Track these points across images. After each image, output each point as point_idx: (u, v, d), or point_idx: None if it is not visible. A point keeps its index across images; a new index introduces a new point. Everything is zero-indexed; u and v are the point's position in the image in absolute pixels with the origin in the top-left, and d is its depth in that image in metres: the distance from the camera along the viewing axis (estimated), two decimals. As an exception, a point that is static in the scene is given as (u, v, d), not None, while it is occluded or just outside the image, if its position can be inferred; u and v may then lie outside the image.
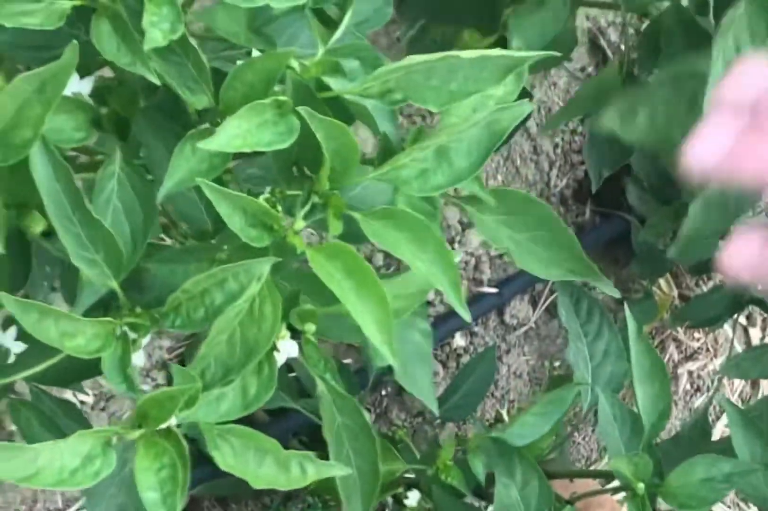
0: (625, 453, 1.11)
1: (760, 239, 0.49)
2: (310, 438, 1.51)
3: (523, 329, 1.67)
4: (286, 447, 0.73)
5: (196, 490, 1.46)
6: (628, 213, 1.64)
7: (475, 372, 1.44)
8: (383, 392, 1.54)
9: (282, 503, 1.52)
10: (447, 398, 1.43)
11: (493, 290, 1.61)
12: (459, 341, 1.60)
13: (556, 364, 1.70)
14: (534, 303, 1.68)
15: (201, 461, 1.40)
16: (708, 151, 0.46)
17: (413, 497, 1.18)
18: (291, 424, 1.48)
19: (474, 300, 1.61)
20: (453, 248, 1.59)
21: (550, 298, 1.69)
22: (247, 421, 0.72)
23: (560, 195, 1.69)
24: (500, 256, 1.63)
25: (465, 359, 1.61)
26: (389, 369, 0.83)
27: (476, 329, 1.62)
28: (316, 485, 1.31)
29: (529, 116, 1.50)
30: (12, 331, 0.83)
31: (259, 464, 0.73)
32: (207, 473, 1.43)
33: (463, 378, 1.44)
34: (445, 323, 1.58)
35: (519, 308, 1.66)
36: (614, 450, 1.12)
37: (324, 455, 0.77)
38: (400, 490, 1.20)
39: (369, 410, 1.54)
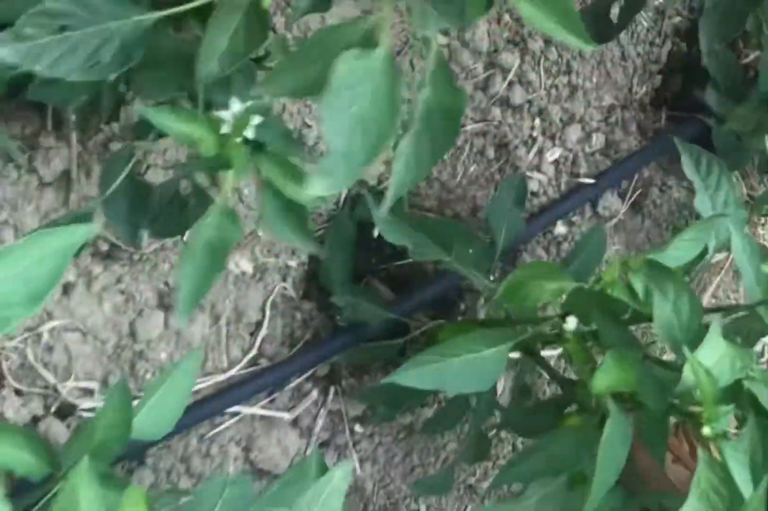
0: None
1: None
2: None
3: (614, 221, 1.82)
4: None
5: (335, 358, 1.58)
6: (705, 116, 1.79)
7: (589, 244, 1.57)
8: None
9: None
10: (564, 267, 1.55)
11: (590, 181, 1.76)
12: (560, 228, 1.75)
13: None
14: (622, 198, 1.84)
15: (340, 331, 1.54)
16: None
17: (572, 322, 1.30)
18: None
19: (571, 192, 1.76)
20: (554, 144, 1.74)
21: (635, 193, 1.84)
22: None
23: (639, 101, 1.84)
24: (593, 153, 1.78)
25: (564, 246, 1.75)
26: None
27: (574, 218, 1.77)
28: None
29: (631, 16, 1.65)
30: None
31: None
32: (345, 344, 1.56)
33: (579, 250, 1.57)
34: (546, 212, 1.73)
35: (610, 201, 1.81)
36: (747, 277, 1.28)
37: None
38: (556, 319, 1.33)
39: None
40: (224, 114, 0.90)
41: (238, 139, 0.89)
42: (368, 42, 0.76)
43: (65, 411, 1.35)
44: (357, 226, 1.57)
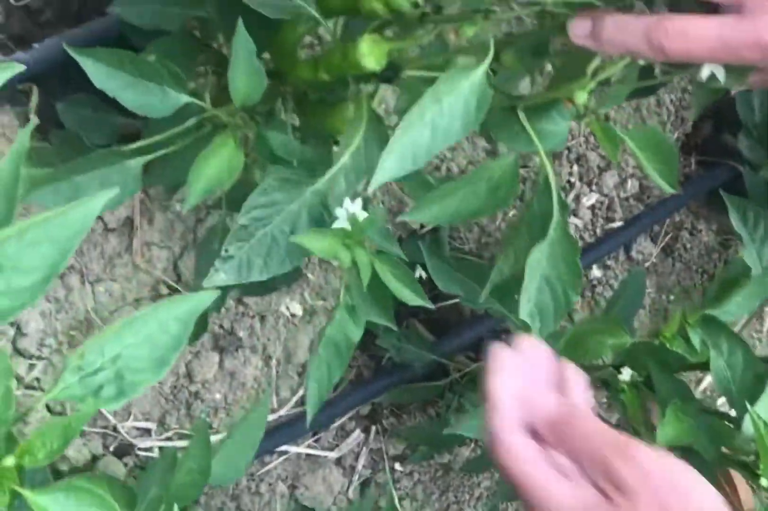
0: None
1: None
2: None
3: (646, 264, 1.86)
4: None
5: (379, 399, 1.62)
6: (735, 161, 1.84)
7: (629, 289, 1.61)
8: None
9: (445, 413, 1.67)
10: (605, 314, 1.59)
11: (620, 224, 1.80)
12: (595, 272, 1.79)
13: (671, 297, 1.89)
14: (654, 241, 1.88)
15: (383, 372, 1.57)
16: None
17: (627, 373, 1.34)
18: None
19: (606, 236, 1.80)
20: (591, 190, 1.78)
21: (667, 237, 1.89)
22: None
23: (671, 147, 1.89)
24: (627, 198, 1.82)
25: (599, 289, 1.79)
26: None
27: (609, 262, 1.81)
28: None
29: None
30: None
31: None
32: (387, 384, 1.59)
33: (616, 297, 1.61)
34: (582, 256, 1.76)
35: (643, 245, 1.85)
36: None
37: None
38: (611, 369, 1.37)
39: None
40: (340, 212, 0.96)
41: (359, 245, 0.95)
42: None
43: (123, 450, 1.38)
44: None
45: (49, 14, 1.34)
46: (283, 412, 1.50)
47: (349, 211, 0.96)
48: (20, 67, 0.75)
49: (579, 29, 0.83)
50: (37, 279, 0.70)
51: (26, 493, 0.70)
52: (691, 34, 0.77)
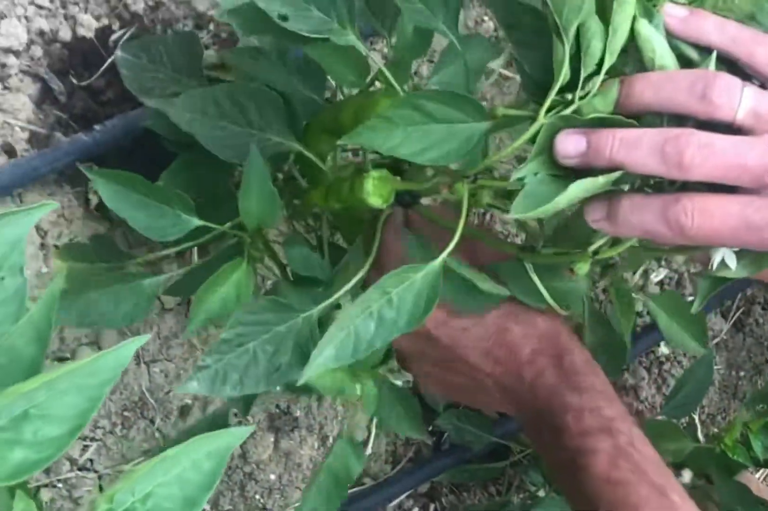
0: None
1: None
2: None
3: (716, 340, 1.82)
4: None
5: (438, 478, 1.60)
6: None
7: (695, 375, 1.58)
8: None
9: (506, 492, 1.65)
10: (672, 397, 1.56)
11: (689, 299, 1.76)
12: (663, 349, 1.76)
13: (741, 373, 1.85)
14: (725, 317, 1.84)
15: (443, 452, 1.55)
16: None
17: (687, 476, 1.32)
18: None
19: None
20: (660, 265, 1.75)
21: (738, 312, 1.85)
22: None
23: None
24: (698, 273, 1.79)
25: (667, 366, 1.76)
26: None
27: (677, 339, 1.77)
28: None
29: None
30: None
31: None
32: (447, 464, 1.57)
33: (685, 380, 1.58)
34: (651, 332, 1.73)
35: (713, 321, 1.81)
36: None
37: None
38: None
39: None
40: None
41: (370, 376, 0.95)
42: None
43: (176, 532, 1.37)
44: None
45: (110, 94, 1.35)
46: (338, 493, 1.49)
47: None
48: (52, 206, 0.74)
49: (595, 213, 0.80)
50: (66, 430, 0.70)
51: None
52: (711, 211, 0.74)
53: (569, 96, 0.80)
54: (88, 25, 1.33)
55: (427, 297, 0.83)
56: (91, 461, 1.31)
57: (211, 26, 1.40)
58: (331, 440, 1.49)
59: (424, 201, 1.04)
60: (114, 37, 1.35)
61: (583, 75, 0.79)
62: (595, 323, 1.01)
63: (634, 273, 1.71)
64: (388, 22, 1.00)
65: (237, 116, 1.01)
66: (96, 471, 1.32)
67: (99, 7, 1.33)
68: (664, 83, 0.76)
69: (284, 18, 0.89)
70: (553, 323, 0.97)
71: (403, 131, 0.82)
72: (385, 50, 1.48)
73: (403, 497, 1.57)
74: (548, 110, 0.81)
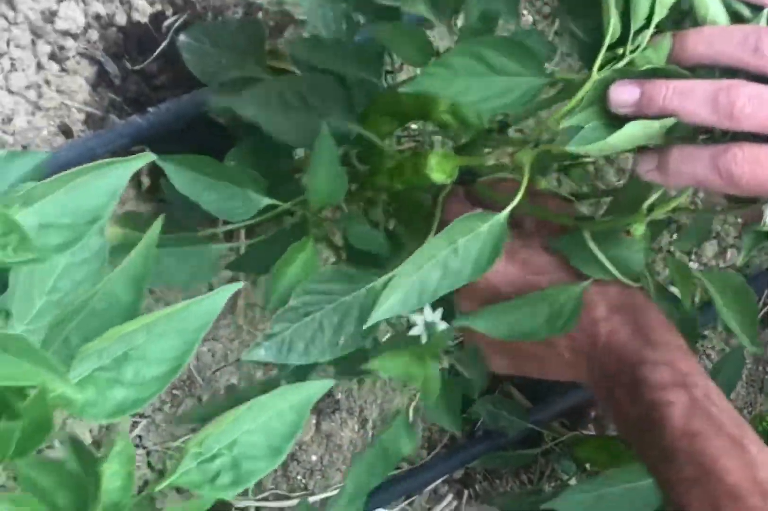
0: None
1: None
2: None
3: (744, 335, 1.85)
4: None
5: (472, 464, 1.62)
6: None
7: (725, 369, 1.60)
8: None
9: (538, 480, 1.67)
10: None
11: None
12: (692, 343, 1.78)
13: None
14: (753, 313, 1.87)
15: (477, 438, 1.57)
16: None
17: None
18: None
19: (704, 308, 1.78)
20: (690, 259, 1.77)
21: (764, 309, 1.87)
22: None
23: (774, 218, 1.88)
24: (727, 268, 1.81)
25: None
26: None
27: (706, 332, 1.80)
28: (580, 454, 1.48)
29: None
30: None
31: None
32: (481, 450, 1.59)
33: (715, 372, 1.60)
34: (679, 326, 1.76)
35: (742, 316, 1.84)
36: None
37: None
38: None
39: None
40: (418, 319, 0.98)
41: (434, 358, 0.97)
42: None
43: (222, 509, 1.39)
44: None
45: (163, 78, 1.38)
46: (377, 475, 1.51)
47: (427, 319, 0.97)
48: (149, 157, 0.77)
49: (646, 164, 0.82)
50: (165, 370, 0.72)
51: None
52: (761, 160, 0.76)
53: (620, 51, 0.83)
54: (143, 10, 1.36)
55: (491, 248, 0.86)
56: (140, 437, 1.33)
57: (260, 15, 1.42)
58: (370, 423, 1.51)
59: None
60: (167, 22, 1.37)
61: (633, 29, 0.81)
62: (661, 298, 1.03)
63: (665, 266, 1.73)
64: (451, 4, 1.03)
65: (300, 106, 1.03)
66: (144, 447, 1.34)
67: (153, -7, 1.36)
68: (718, 37, 0.78)
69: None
70: (625, 284, 0.99)
71: (464, 81, 0.84)
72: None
73: (438, 482, 1.59)
74: (600, 67, 0.83)
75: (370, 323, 0.87)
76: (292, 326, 0.94)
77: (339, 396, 1.46)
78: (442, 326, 0.98)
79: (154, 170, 1.28)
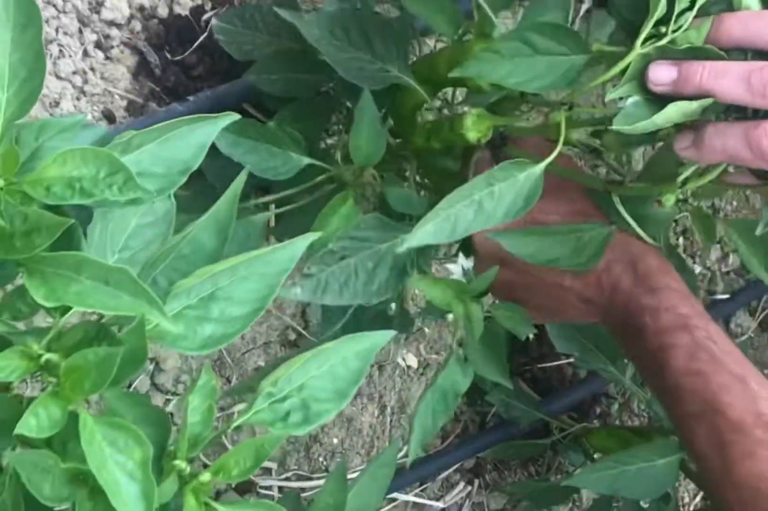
0: None
1: None
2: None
3: (743, 337, 1.91)
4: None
5: (483, 453, 1.67)
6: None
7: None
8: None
9: (546, 471, 1.72)
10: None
11: (725, 297, 1.85)
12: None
13: (766, 372, 1.93)
14: (753, 316, 1.93)
15: (490, 428, 1.62)
16: None
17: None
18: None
19: (708, 309, 1.84)
20: (694, 262, 1.83)
21: (764, 312, 1.93)
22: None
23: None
24: (728, 272, 1.88)
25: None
26: None
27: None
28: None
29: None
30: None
31: None
32: (492, 440, 1.64)
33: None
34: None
35: (743, 319, 1.90)
36: None
37: None
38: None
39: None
40: (453, 267, 1.02)
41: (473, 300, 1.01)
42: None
43: (245, 487, 1.44)
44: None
45: (201, 69, 1.43)
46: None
47: (464, 267, 1.02)
48: (234, 117, 0.82)
49: (683, 142, 0.88)
50: (249, 310, 0.77)
51: (220, 507, 0.76)
52: None
53: (663, 29, 0.88)
54: (184, 4, 1.41)
55: (526, 196, 0.90)
56: (171, 415, 1.37)
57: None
58: (389, 409, 1.55)
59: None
60: (206, 16, 1.43)
61: (677, 10, 0.87)
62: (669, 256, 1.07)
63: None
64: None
65: (362, 44, 1.08)
66: (176, 424, 1.38)
67: (194, -13, 1.42)
68: (753, 20, 0.84)
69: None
70: (623, 234, 1.03)
71: (510, 63, 0.90)
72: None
73: (450, 470, 1.64)
74: (642, 43, 0.88)
75: (403, 248, 0.90)
76: (328, 268, 0.98)
77: (368, 370, 1.51)
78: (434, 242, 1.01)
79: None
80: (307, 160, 1.09)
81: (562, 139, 0.94)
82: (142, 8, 1.37)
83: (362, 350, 0.85)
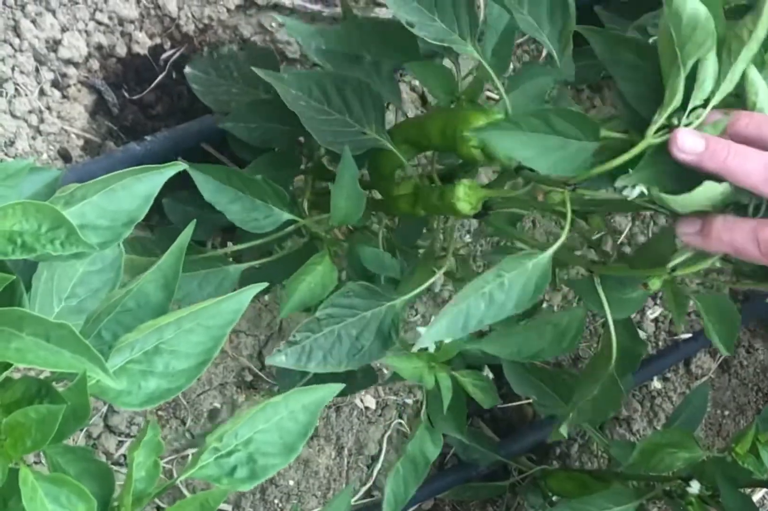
0: None
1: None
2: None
3: (704, 378, 1.90)
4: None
5: (441, 495, 1.66)
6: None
7: (690, 405, 1.65)
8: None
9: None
10: (668, 425, 1.63)
11: (688, 336, 1.85)
12: (656, 383, 1.84)
13: (726, 412, 1.93)
14: (713, 357, 1.93)
15: (448, 469, 1.61)
16: None
17: (695, 486, 1.38)
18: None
19: (668, 351, 1.84)
20: (655, 303, 1.83)
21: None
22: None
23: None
24: (690, 313, 1.87)
25: (658, 400, 1.84)
26: None
27: (669, 375, 1.85)
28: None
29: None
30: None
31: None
32: (451, 482, 1.63)
33: (677, 414, 1.65)
34: (644, 368, 1.81)
35: (703, 360, 1.90)
36: None
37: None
38: (679, 481, 1.40)
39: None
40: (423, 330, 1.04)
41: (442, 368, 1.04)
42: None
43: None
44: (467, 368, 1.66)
45: (159, 108, 1.42)
46: (351, 502, 1.54)
47: None
48: (181, 166, 0.81)
49: (688, 228, 0.88)
50: (194, 363, 0.76)
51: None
52: None
53: (675, 121, 0.89)
54: (143, 43, 1.41)
55: (536, 284, 0.91)
56: (124, 456, 1.36)
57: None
58: (346, 450, 1.54)
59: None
60: (165, 55, 1.43)
61: (690, 106, 0.87)
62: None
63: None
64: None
65: (339, 104, 1.07)
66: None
67: (153, 27, 1.41)
68: (765, 122, 0.85)
69: (411, 25, 0.98)
70: None
71: (526, 136, 0.90)
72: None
73: (408, 512, 1.63)
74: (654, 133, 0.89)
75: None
76: (312, 335, 1.00)
77: (317, 423, 1.49)
78: (448, 339, 1.02)
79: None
80: (288, 216, 1.09)
81: (569, 222, 0.94)
82: (100, 47, 1.36)
83: (310, 403, 0.84)
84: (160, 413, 1.38)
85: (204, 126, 1.35)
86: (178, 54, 1.43)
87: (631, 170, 0.87)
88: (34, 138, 1.32)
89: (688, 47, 0.83)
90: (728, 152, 0.84)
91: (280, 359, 0.98)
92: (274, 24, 1.45)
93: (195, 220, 0.82)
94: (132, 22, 1.39)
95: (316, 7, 1.46)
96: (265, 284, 0.79)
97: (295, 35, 1.15)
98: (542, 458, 1.75)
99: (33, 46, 1.31)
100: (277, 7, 1.45)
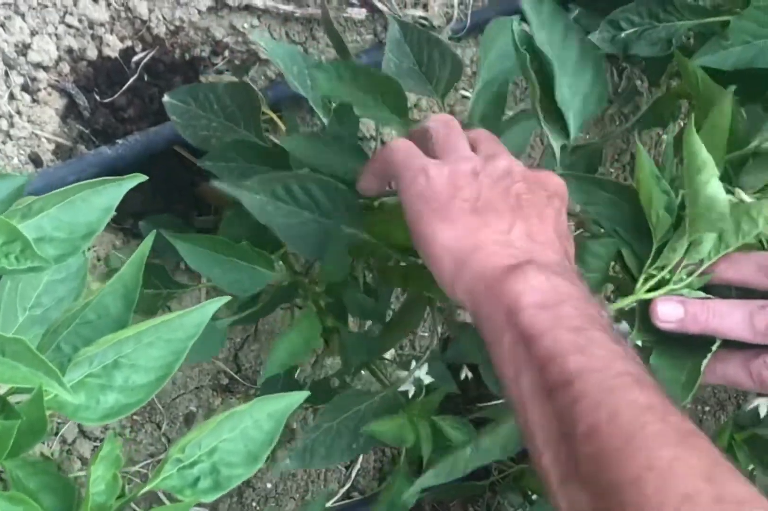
0: None
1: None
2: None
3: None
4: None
5: (421, 495, 1.65)
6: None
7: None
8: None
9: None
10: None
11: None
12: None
13: (706, 408, 1.93)
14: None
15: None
16: None
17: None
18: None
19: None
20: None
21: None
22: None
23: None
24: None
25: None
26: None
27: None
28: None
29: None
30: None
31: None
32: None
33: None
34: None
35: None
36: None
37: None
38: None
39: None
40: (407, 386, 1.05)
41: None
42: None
43: (176, 534, 1.42)
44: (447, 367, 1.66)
45: (131, 111, 1.41)
46: (329, 504, 1.54)
47: (414, 375, 1.04)
48: (141, 178, 0.81)
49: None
50: (153, 378, 0.76)
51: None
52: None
53: (666, 276, 0.91)
54: (113, 46, 1.40)
55: None
56: (99, 461, 1.35)
57: (226, 53, 1.47)
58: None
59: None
60: (136, 58, 1.42)
61: (683, 264, 0.90)
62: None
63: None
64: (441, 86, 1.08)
65: (308, 203, 1.02)
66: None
67: (124, 29, 1.40)
68: (743, 262, 0.89)
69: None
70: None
71: None
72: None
73: (388, 512, 1.62)
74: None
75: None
76: (312, 435, 1.05)
77: (294, 425, 1.49)
78: (428, 380, 1.04)
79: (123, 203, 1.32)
80: (271, 275, 1.08)
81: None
82: (70, 50, 1.35)
83: (275, 410, 0.84)
84: (135, 417, 1.37)
85: (175, 128, 1.35)
86: (149, 56, 1.42)
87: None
88: (4, 143, 1.31)
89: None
90: (707, 314, 0.87)
91: (285, 464, 1.05)
92: (245, 25, 1.44)
93: (155, 230, 0.81)
94: (102, 25, 1.38)
95: (289, 8, 1.45)
96: (227, 298, 0.79)
97: (276, 59, 1.15)
98: (523, 456, 1.74)
99: (2, 49, 1.30)
100: (248, 8, 1.45)
